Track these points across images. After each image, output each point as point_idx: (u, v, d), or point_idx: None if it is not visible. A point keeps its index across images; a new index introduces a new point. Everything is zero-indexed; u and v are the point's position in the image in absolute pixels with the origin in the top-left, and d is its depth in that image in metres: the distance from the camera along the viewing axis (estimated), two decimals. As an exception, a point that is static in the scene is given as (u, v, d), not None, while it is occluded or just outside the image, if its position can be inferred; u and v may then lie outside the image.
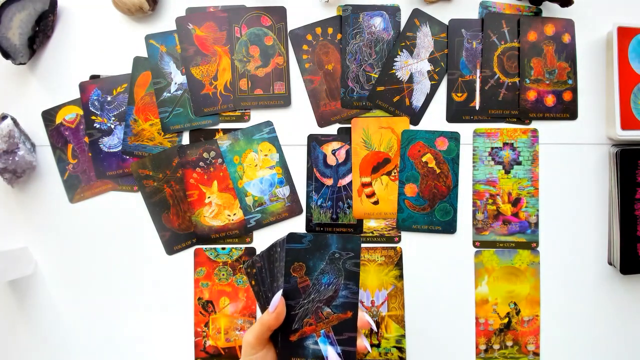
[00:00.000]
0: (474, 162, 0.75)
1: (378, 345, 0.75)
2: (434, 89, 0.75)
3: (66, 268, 0.77)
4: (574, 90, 0.74)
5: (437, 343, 0.75)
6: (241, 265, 0.76)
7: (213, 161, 0.75)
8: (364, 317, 0.54)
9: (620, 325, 0.75)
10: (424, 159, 0.75)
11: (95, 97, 0.76)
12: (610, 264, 0.74)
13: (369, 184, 0.75)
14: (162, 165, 0.76)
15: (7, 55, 0.74)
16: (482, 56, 0.74)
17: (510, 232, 0.75)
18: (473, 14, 0.75)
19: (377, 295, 0.75)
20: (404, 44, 0.75)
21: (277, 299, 0.52)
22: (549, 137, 0.74)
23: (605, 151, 0.74)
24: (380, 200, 0.75)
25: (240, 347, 0.76)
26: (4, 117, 0.74)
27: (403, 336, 0.75)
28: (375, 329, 0.63)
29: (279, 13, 0.75)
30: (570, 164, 0.74)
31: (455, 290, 0.75)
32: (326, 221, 0.76)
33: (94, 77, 0.77)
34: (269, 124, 0.76)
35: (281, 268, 0.54)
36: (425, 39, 0.75)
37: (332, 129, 0.76)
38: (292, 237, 0.54)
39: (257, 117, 0.76)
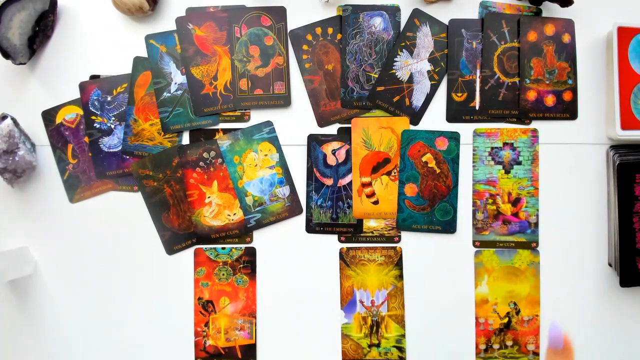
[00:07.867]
0: (474, 162, 0.75)
1: (378, 345, 0.75)
2: (434, 89, 0.75)
3: (66, 268, 0.77)
4: (574, 90, 0.74)
5: (437, 343, 0.75)
6: (241, 265, 0.76)
7: (213, 161, 0.75)
8: None
9: (620, 325, 0.74)
10: (424, 159, 0.75)
11: (95, 97, 0.76)
12: (610, 265, 0.74)
13: (369, 184, 0.75)
14: (162, 165, 0.76)
15: (7, 55, 0.74)
16: (482, 56, 0.74)
17: (510, 232, 0.75)
18: (473, 14, 0.75)
19: (377, 295, 0.75)
20: (404, 44, 0.75)
21: None
22: (549, 137, 0.74)
23: (605, 151, 0.74)
24: (380, 200, 0.75)
25: (240, 346, 0.76)
26: (4, 117, 0.74)
27: (403, 336, 0.75)
28: None
29: (279, 13, 0.75)
30: (570, 164, 0.74)
31: (455, 290, 0.75)
32: (326, 221, 0.76)
33: (94, 77, 0.77)
34: (269, 124, 0.76)
35: None
36: (425, 39, 0.75)
37: (332, 129, 0.76)
38: None
39: (257, 117, 0.76)
